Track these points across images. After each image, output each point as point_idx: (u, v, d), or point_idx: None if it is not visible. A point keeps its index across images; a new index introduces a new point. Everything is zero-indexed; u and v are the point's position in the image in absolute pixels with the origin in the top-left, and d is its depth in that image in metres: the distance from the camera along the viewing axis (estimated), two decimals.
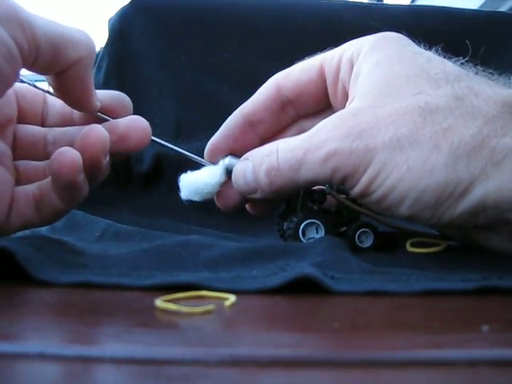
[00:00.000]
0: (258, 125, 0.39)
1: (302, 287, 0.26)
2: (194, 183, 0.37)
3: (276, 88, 0.38)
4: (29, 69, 0.31)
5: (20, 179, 0.35)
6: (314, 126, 0.33)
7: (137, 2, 0.58)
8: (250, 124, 0.39)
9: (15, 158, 0.36)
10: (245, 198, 0.36)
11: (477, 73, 0.33)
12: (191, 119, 0.56)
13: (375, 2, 0.80)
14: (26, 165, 0.36)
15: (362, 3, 0.60)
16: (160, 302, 0.23)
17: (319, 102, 0.39)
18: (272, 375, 0.16)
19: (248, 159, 0.35)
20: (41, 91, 0.36)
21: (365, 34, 0.37)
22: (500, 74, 0.34)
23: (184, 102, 0.56)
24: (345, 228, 0.37)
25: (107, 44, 0.58)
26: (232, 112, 0.40)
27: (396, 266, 0.30)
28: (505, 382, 0.16)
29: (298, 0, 0.60)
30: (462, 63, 0.34)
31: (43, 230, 0.43)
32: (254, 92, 0.40)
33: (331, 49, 0.38)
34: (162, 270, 0.28)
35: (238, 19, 0.58)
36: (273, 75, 0.40)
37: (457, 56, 0.35)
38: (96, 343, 0.20)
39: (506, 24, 0.59)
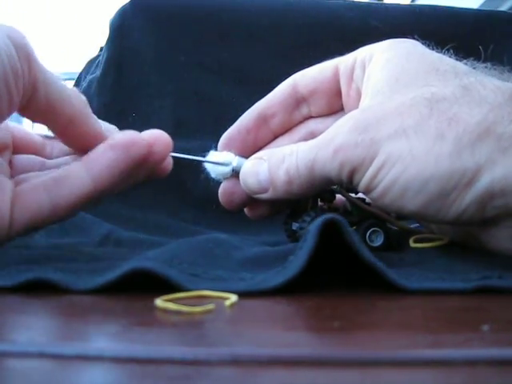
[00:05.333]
0: (272, 119, 0.40)
1: (302, 287, 0.26)
2: (211, 164, 0.38)
3: (292, 85, 0.39)
4: (23, 111, 0.31)
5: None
6: (322, 127, 0.34)
7: (136, 0, 0.58)
8: (264, 119, 0.40)
9: (13, 175, 0.35)
10: (249, 197, 0.37)
11: (489, 73, 0.33)
12: (190, 118, 0.56)
13: (375, 2, 0.80)
14: (27, 176, 0.34)
15: (361, 3, 0.60)
16: (160, 302, 0.23)
17: (331, 102, 0.39)
18: (272, 375, 0.16)
19: (262, 158, 0.35)
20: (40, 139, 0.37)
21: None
22: (510, 71, 0.34)
23: (183, 101, 0.56)
24: (355, 227, 0.37)
25: (107, 41, 0.58)
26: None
27: (398, 264, 0.30)
28: (504, 382, 0.16)
29: None
30: (474, 66, 0.34)
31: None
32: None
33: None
34: (200, 265, 0.28)
35: (238, 18, 0.58)
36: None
37: (457, 55, 0.35)
38: (96, 342, 0.20)
39: (506, 23, 0.59)
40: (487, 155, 0.29)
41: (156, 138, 0.33)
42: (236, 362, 0.17)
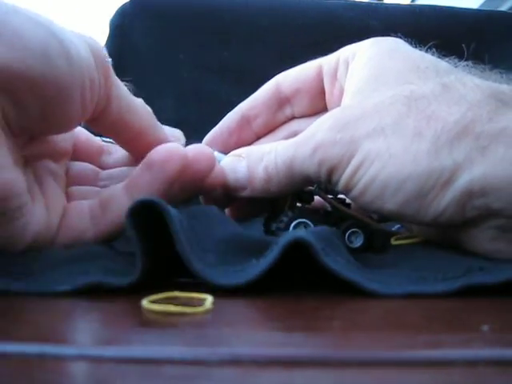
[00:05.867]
0: (255, 120, 0.40)
1: (301, 287, 0.26)
2: None
3: (275, 85, 0.39)
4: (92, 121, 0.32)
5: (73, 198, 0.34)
6: (305, 127, 0.33)
7: (137, 0, 0.58)
8: (247, 120, 0.40)
9: (67, 185, 0.35)
10: (229, 196, 0.36)
11: (470, 71, 0.33)
12: (190, 117, 0.56)
13: (375, 2, 0.80)
14: (78, 189, 0.35)
15: (361, 3, 0.60)
16: (146, 303, 0.23)
17: (315, 102, 0.39)
18: (272, 375, 0.16)
19: (240, 156, 0.35)
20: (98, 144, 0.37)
21: (365, 34, 0.37)
22: (491, 70, 0.34)
23: (183, 101, 0.57)
24: (334, 228, 0.36)
25: (106, 40, 0.58)
26: (230, 110, 0.41)
27: (378, 265, 0.30)
28: (504, 382, 0.16)
29: None
30: (456, 65, 0.34)
31: None
32: (253, 90, 0.40)
33: (330, 48, 0.39)
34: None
35: (238, 18, 0.58)
36: (272, 73, 0.40)
37: (456, 55, 0.35)
38: (95, 343, 0.20)
39: (506, 23, 0.59)
40: (465, 154, 0.28)
41: (196, 152, 0.33)
42: (236, 362, 0.17)
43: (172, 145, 0.32)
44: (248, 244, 0.30)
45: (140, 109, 0.33)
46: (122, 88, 0.31)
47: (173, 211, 0.26)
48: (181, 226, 0.26)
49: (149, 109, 0.34)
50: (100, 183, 0.36)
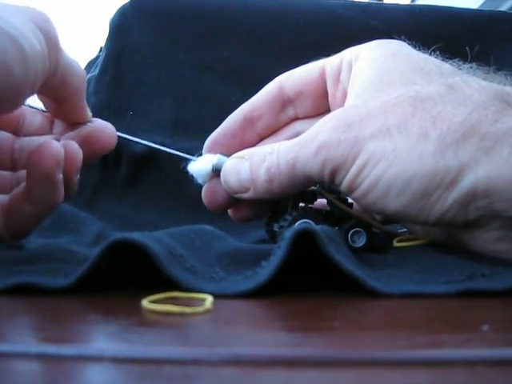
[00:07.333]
0: (258, 122, 0.39)
1: (302, 287, 0.26)
2: (193, 167, 0.38)
3: (278, 86, 0.39)
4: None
5: None
6: (308, 128, 0.33)
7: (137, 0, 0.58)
8: (250, 121, 0.40)
9: None
10: (232, 198, 0.36)
11: (474, 73, 0.33)
12: (188, 117, 0.56)
13: (375, 2, 0.80)
14: None
15: (361, 3, 0.60)
16: (146, 303, 0.23)
17: (318, 103, 0.39)
18: (272, 375, 0.16)
19: (243, 157, 0.35)
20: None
21: (365, 34, 0.37)
22: (496, 72, 0.34)
23: (182, 100, 0.56)
24: (337, 228, 0.36)
25: (106, 40, 0.58)
26: (230, 110, 0.40)
27: (381, 265, 0.30)
28: (505, 382, 0.16)
29: None
30: (460, 67, 0.34)
31: None
32: (253, 90, 0.40)
33: (330, 48, 0.39)
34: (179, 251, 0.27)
35: (238, 18, 0.58)
36: (272, 73, 0.40)
37: (456, 55, 0.35)
38: (96, 342, 0.20)
39: (506, 23, 0.59)
40: (471, 155, 0.28)
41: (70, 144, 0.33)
42: (236, 362, 0.17)
43: (45, 143, 0.32)
44: (251, 254, 0.30)
45: (77, 69, 0.33)
46: (64, 51, 0.32)
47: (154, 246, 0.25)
48: (168, 257, 0.26)
49: (82, 69, 0.34)
50: (15, 155, 0.37)
